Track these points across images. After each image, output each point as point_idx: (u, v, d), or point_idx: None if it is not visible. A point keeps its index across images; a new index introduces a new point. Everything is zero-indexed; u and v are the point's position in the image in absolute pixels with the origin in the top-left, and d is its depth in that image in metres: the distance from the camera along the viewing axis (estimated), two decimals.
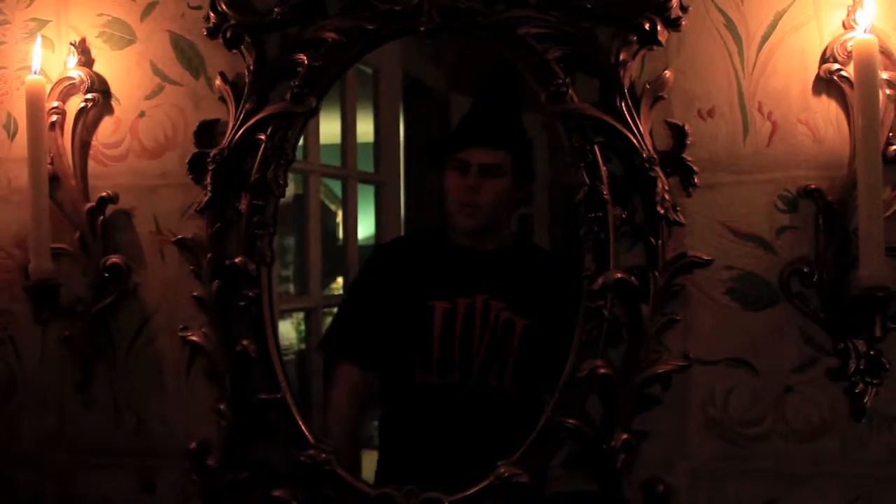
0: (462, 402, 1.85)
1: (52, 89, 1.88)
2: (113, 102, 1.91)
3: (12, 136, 1.97)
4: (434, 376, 1.85)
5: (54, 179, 1.88)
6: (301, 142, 1.85)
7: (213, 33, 1.82)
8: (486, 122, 1.91)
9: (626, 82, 1.65)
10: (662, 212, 1.63)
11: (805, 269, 1.61)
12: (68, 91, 1.89)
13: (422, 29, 1.71)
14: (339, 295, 2.19)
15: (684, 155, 1.64)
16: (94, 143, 1.92)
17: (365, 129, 2.15)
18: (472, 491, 1.70)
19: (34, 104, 1.81)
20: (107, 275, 1.89)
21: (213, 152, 1.81)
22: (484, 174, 1.85)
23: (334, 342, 2.01)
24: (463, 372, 1.84)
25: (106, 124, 1.92)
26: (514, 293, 1.86)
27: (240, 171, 1.80)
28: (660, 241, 1.64)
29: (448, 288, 1.87)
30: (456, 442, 1.82)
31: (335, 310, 2.12)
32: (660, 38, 1.64)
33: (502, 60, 1.76)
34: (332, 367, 1.98)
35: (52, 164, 1.87)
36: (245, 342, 1.79)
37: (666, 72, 1.65)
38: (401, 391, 1.91)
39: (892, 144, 1.56)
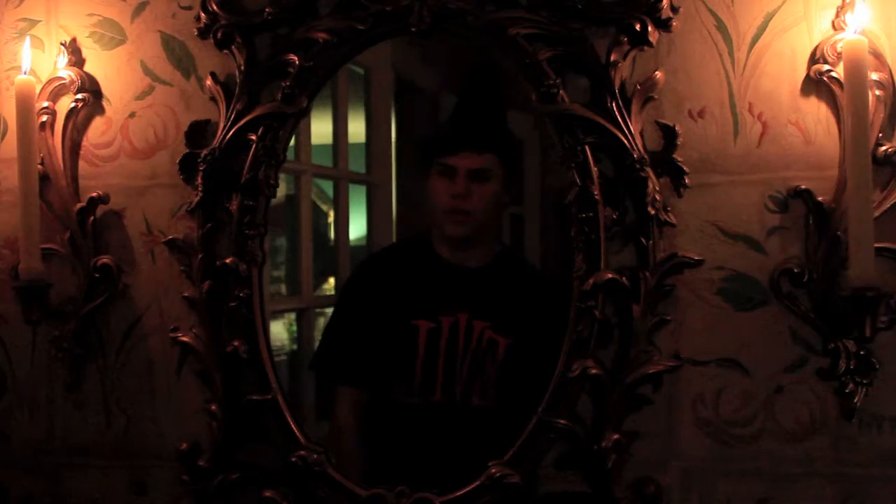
0: (444, 421, 1.82)
1: (42, 89, 1.88)
2: (103, 102, 1.91)
3: (2, 136, 1.96)
4: (415, 396, 1.83)
5: (44, 180, 1.87)
6: (292, 142, 1.85)
7: (203, 33, 1.82)
8: (474, 124, 1.87)
9: (617, 83, 1.65)
10: (653, 212, 1.63)
11: (795, 270, 1.61)
12: (58, 91, 1.89)
13: (413, 29, 1.71)
14: (331, 296, 2.18)
15: (675, 155, 1.65)
16: (84, 143, 1.92)
17: (357, 129, 2.15)
18: (463, 491, 1.70)
19: (24, 104, 1.80)
20: (97, 275, 1.89)
21: (203, 153, 1.81)
22: (473, 180, 1.82)
23: (329, 366, 1.95)
24: (446, 391, 1.82)
25: (96, 124, 1.91)
26: (496, 312, 1.83)
27: (231, 172, 1.80)
28: (650, 242, 1.64)
29: (431, 306, 1.83)
30: (438, 458, 1.79)
31: (328, 311, 2.08)
32: (650, 38, 1.64)
33: (488, 59, 1.74)
34: (330, 388, 1.94)
35: (42, 164, 1.87)
36: (236, 343, 1.79)
37: (657, 72, 1.65)
38: (382, 409, 1.88)
39: (882, 145, 1.57)
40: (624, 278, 1.65)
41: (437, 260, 1.89)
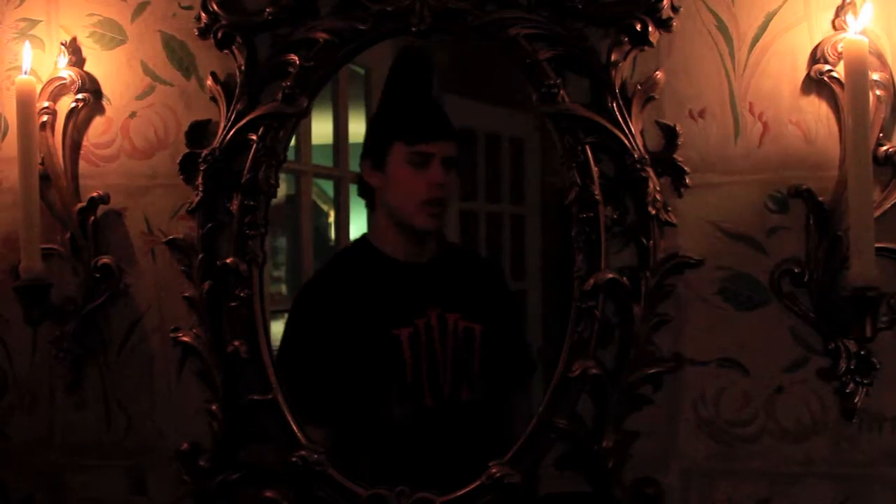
0: (437, 424, 1.79)
1: (42, 89, 1.88)
2: (104, 102, 1.91)
3: (2, 135, 1.96)
4: (410, 406, 1.78)
5: (45, 179, 1.87)
6: (293, 142, 1.85)
7: (204, 33, 1.82)
8: (435, 111, 1.85)
9: (618, 83, 1.65)
10: (654, 212, 1.63)
11: (796, 270, 1.61)
12: (59, 91, 1.89)
13: (413, 29, 1.71)
14: None
15: (675, 155, 1.65)
16: (84, 143, 1.92)
17: (357, 129, 2.14)
18: (463, 491, 1.70)
19: (24, 104, 1.81)
20: (98, 275, 1.89)
21: (204, 153, 1.81)
22: (448, 167, 1.80)
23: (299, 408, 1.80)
24: (434, 394, 1.79)
25: (97, 124, 1.91)
26: (463, 301, 1.82)
27: (231, 172, 1.80)
28: (651, 242, 1.64)
29: (402, 311, 1.79)
30: (436, 460, 1.77)
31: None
32: (651, 38, 1.64)
33: (417, 45, 1.74)
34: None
35: (42, 164, 1.87)
36: (236, 343, 1.79)
37: (657, 72, 1.65)
38: (374, 428, 1.81)
39: (882, 145, 1.57)
40: (624, 278, 1.65)
41: (389, 263, 1.85)
